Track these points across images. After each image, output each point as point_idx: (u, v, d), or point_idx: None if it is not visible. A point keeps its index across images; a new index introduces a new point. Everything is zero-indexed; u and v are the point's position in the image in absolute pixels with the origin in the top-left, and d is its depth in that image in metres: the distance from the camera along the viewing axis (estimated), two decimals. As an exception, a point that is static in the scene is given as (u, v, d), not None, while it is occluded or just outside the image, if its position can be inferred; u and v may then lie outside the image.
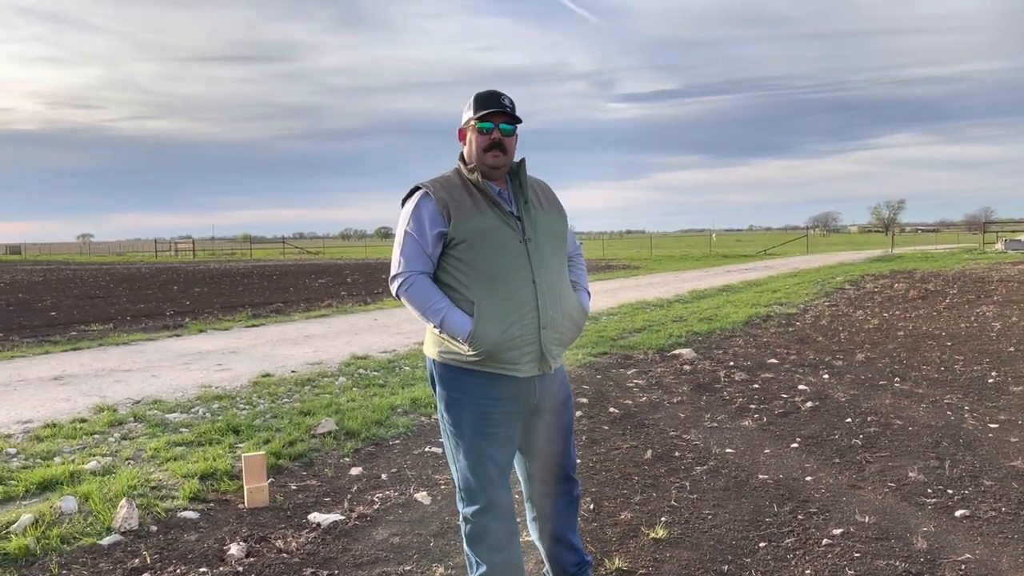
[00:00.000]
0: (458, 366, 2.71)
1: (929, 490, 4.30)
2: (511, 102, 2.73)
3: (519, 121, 2.74)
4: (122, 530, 3.86)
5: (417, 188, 2.74)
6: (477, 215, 2.64)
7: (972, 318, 11.56)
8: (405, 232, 2.70)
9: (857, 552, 3.52)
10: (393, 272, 2.73)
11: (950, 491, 4.27)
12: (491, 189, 2.70)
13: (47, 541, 3.69)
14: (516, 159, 2.80)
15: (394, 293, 2.75)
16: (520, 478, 2.99)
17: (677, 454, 5.08)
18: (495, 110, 2.68)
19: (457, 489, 2.82)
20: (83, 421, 6.00)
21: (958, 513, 3.95)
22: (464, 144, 2.79)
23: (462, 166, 2.77)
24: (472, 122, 2.71)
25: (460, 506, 2.82)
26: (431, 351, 2.80)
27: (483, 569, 2.79)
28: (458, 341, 2.64)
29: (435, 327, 2.68)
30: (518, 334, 2.62)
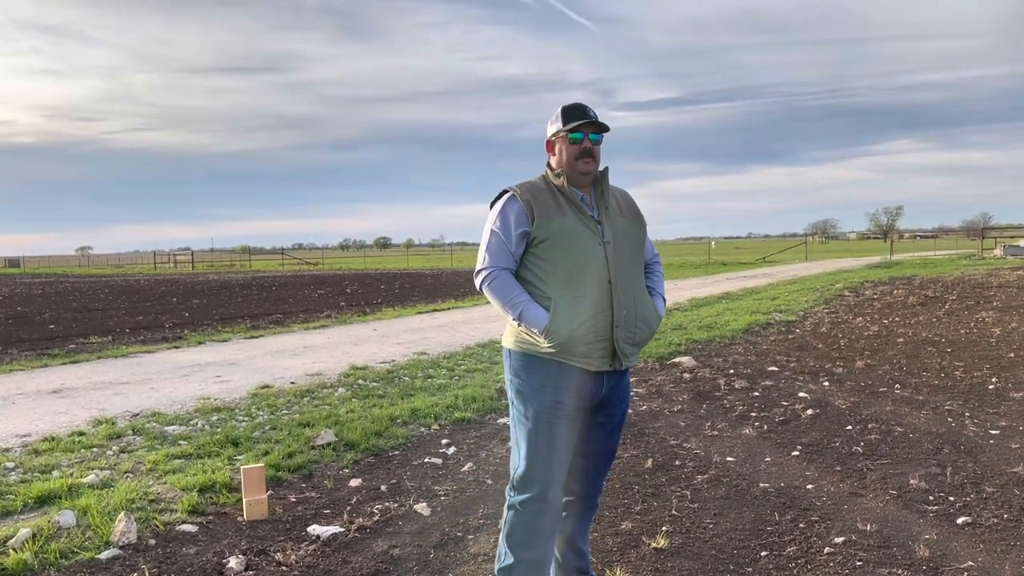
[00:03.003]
0: (533, 354, 2.83)
1: (931, 497, 4.28)
2: (595, 113, 2.88)
3: (607, 129, 2.89)
4: (120, 544, 3.84)
5: (505, 191, 2.90)
6: (559, 216, 2.80)
7: (972, 324, 11.56)
8: (491, 231, 2.86)
9: (859, 560, 3.51)
10: (478, 267, 2.90)
11: (952, 498, 4.26)
12: (575, 194, 2.85)
13: (45, 556, 3.67)
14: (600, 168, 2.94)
15: (478, 287, 2.91)
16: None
17: (678, 463, 5.07)
18: (585, 121, 2.83)
19: (512, 478, 2.90)
20: (81, 434, 5.98)
21: (960, 520, 3.93)
22: (553, 155, 2.94)
23: (549, 172, 2.93)
24: (562, 133, 2.86)
25: (510, 495, 2.90)
26: (508, 342, 2.92)
27: (509, 561, 2.88)
28: (535, 333, 2.77)
29: (514, 319, 2.81)
30: (591, 330, 2.74)
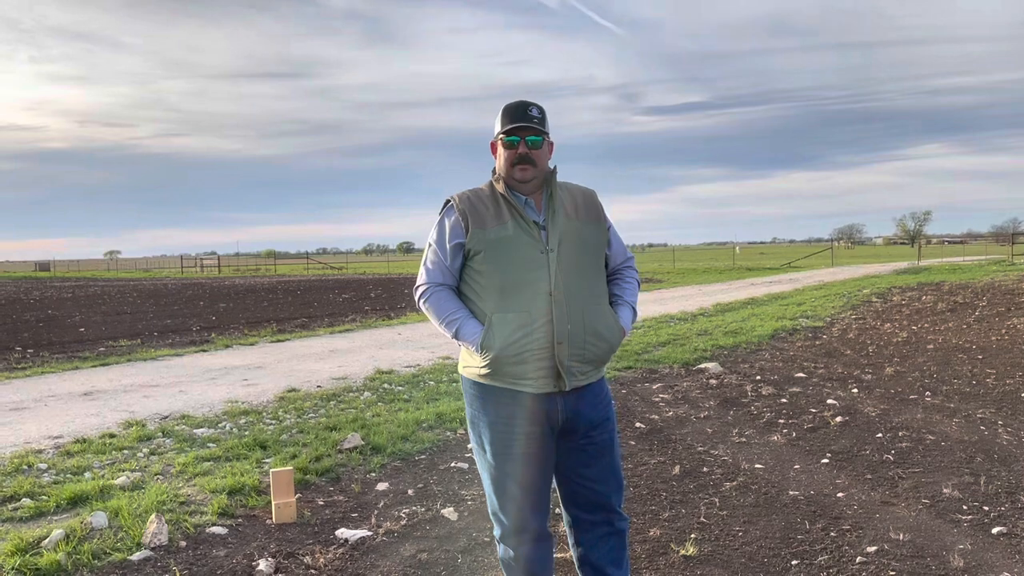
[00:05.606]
0: (477, 381, 2.67)
1: (964, 507, 4.22)
2: (540, 111, 2.66)
3: (546, 133, 2.67)
4: (152, 546, 3.88)
5: (448, 200, 2.72)
6: (496, 225, 2.59)
7: (1003, 331, 11.38)
8: (429, 244, 2.71)
9: (892, 570, 3.46)
10: (416, 284, 2.75)
11: (986, 508, 4.19)
12: (517, 199, 2.64)
13: (78, 556, 3.72)
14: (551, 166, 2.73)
15: (417, 305, 2.77)
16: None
17: (705, 469, 5.03)
18: (521, 124, 2.62)
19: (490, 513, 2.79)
20: (112, 436, 6.05)
21: (995, 530, 3.87)
22: (496, 158, 2.73)
23: (492, 176, 2.74)
24: (500, 136, 2.66)
25: (495, 531, 2.79)
26: (460, 367, 2.78)
27: None
28: (473, 353, 2.61)
29: (452, 338, 2.66)
30: (527, 347, 2.53)
